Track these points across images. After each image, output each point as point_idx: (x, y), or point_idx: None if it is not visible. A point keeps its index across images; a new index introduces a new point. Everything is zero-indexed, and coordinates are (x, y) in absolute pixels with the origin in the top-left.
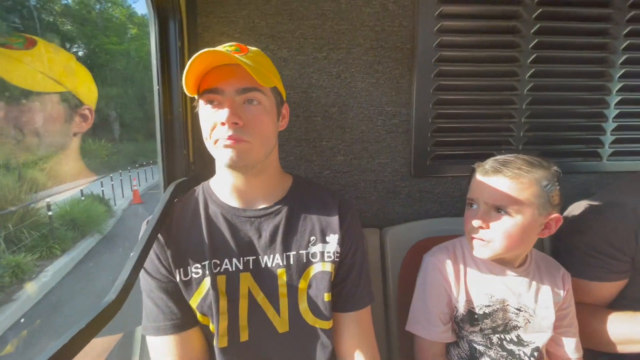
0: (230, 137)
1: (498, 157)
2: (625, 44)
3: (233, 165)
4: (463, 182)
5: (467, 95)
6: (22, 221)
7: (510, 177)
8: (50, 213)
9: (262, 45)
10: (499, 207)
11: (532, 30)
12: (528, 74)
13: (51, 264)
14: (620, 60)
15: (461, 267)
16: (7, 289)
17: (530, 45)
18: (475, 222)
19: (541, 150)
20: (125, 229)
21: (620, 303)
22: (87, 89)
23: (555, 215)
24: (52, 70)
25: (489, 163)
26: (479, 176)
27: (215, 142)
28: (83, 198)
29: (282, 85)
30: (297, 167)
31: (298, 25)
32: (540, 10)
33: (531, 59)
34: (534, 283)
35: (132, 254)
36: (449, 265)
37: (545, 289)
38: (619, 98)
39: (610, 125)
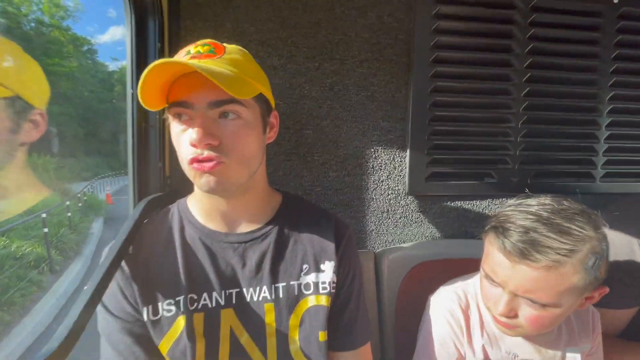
0: (204, 159)
1: (519, 212)
2: (613, 67)
3: (211, 192)
4: (459, 202)
5: (464, 112)
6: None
7: (546, 268)
8: None
9: (251, 52)
10: (531, 300)
11: (526, 50)
12: (523, 93)
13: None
14: (609, 83)
15: (476, 319)
16: None
17: (525, 65)
18: (499, 312)
19: (536, 171)
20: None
21: (632, 331)
22: (37, 89)
23: (599, 289)
24: None
25: (512, 239)
26: (499, 254)
27: (187, 164)
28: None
29: (269, 90)
30: (286, 184)
31: (290, 32)
32: (532, 30)
33: (525, 77)
34: (563, 335)
35: (86, 287)
36: (460, 318)
37: (575, 340)
38: (609, 120)
39: (602, 147)
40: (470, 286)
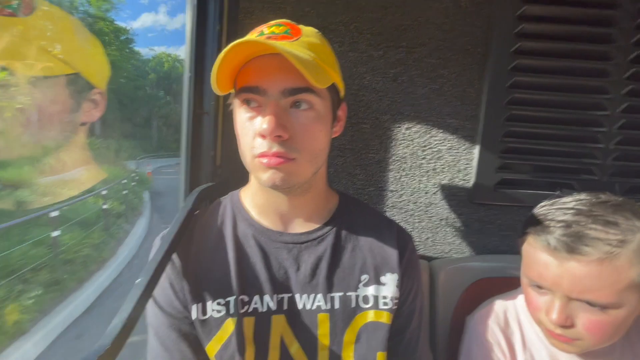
0: (273, 155)
1: (556, 210)
2: None
3: (274, 188)
4: None
5: (547, 112)
6: None
7: (598, 261)
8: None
9: None
10: (588, 302)
11: (632, 40)
12: (623, 91)
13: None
14: None
15: (518, 340)
16: None
17: (629, 58)
18: (554, 320)
19: (631, 185)
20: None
21: None
22: (98, 68)
23: None
24: (56, 45)
25: (555, 235)
26: (544, 255)
27: (253, 157)
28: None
29: (341, 79)
30: (337, 181)
31: (354, 17)
32: None
33: (628, 74)
34: (627, 354)
35: (138, 279)
36: (500, 338)
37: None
38: None
39: None
40: (509, 304)
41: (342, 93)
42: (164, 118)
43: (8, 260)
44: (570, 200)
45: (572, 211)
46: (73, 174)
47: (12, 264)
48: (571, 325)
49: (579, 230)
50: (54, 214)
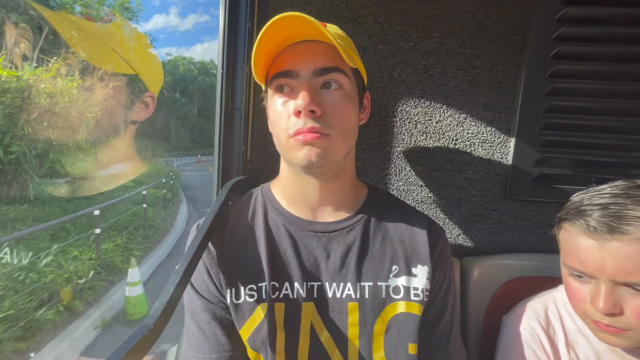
0: (309, 130)
1: (592, 196)
2: None
3: (310, 166)
4: None
5: (591, 102)
6: None
7: None
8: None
9: None
10: (636, 285)
11: None
12: None
13: None
14: None
15: (561, 339)
16: None
17: None
18: (602, 308)
19: None
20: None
21: None
22: (154, 75)
23: None
24: (124, 49)
25: (594, 217)
26: (584, 239)
27: (288, 137)
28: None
29: (364, 68)
30: (365, 175)
31: (384, 8)
32: None
33: None
34: None
35: (177, 265)
36: (542, 337)
37: None
38: None
39: None
40: (549, 301)
41: (365, 81)
42: (180, 120)
43: (120, 222)
44: (606, 187)
45: (608, 195)
46: (121, 168)
47: (123, 224)
48: (620, 313)
49: (618, 210)
50: (144, 192)
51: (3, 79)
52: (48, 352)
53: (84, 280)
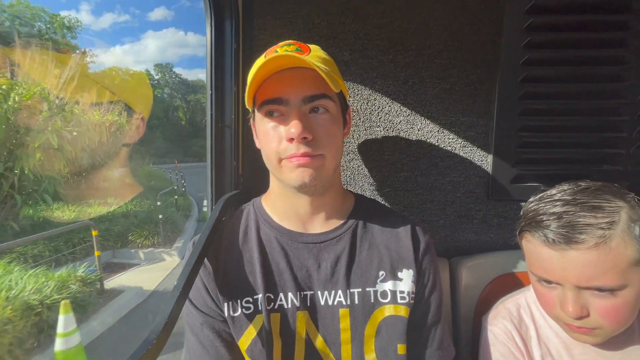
0: (302, 155)
1: (545, 204)
2: None
3: (303, 187)
4: None
5: (562, 104)
6: None
7: (597, 246)
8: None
9: (322, 48)
10: (598, 288)
11: None
12: None
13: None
14: None
15: (533, 335)
16: None
17: None
18: (571, 313)
19: None
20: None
21: None
22: (141, 96)
23: None
24: (104, 77)
25: (551, 228)
26: (545, 249)
27: (280, 161)
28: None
29: (346, 88)
30: (354, 184)
31: (362, 25)
32: None
33: None
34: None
35: (176, 281)
36: (515, 335)
37: None
38: None
39: None
40: (522, 299)
41: (347, 98)
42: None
43: (160, 212)
44: (555, 192)
45: (559, 202)
46: (116, 192)
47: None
48: (587, 315)
49: (570, 220)
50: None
51: None
52: None
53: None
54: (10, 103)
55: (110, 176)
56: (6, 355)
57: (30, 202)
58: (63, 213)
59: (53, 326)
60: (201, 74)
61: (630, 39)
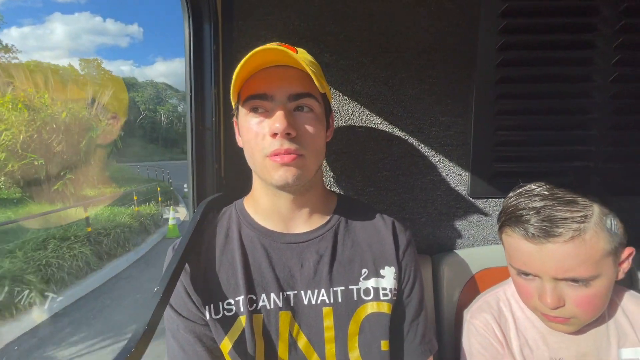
0: (286, 152)
1: (525, 199)
2: None
3: (285, 186)
4: None
5: (536, 103)
6: None
7: (572, 239)
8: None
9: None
10: (573, 279)
11: (616, 28)
12: (610, 79)
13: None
14: None
15: (512, 326)
16: None
17: (614, 45)
18: (549, 304)
19: (627, 170)
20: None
21: None
22: (114, 96)
23: (627, 250)
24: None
25: (531, 223)
26: (524, 243)
27: (264, 157)
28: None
29: (330, 91)
30: (337, 184)
31: (342, 27)
32: (625, 4)
33: (613, 60)
34: (612, 328)
35: (156, 287)
36: (495, 327)
37: (626, 334)
38: None
39: None
40: (501, 293)
41: (330, 101)
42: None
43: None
44: (534, 187)
45: (538, 197)
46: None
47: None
48: (563, 305)
49: (549, 214)
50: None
51: None
52: None
53: None
54: None
55: None
56: (134, 234)
57: None
58: None
59: (148, 230)
60: (123, 66)
61: (598, 41)
